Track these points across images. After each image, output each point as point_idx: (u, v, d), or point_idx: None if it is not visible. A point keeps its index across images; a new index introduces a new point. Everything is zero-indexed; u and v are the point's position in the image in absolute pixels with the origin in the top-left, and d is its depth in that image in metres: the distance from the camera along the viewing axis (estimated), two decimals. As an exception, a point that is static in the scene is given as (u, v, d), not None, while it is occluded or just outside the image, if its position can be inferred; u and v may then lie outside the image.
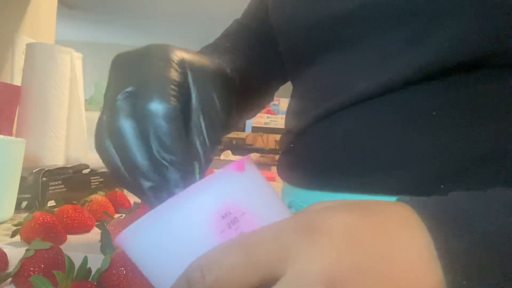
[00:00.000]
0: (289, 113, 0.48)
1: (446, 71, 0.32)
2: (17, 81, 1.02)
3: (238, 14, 0.60)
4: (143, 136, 0.29)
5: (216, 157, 2.14)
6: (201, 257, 0.20)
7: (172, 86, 0.30)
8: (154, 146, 0.29)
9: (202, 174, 0.31)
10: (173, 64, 0.32)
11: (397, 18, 0.34)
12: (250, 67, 0.50)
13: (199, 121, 0.32)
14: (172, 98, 0.30)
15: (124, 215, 0.57)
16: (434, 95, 0.33)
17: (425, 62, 0.33)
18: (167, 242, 0.21)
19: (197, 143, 0.32)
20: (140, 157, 0.29)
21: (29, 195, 0.60)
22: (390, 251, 0.21)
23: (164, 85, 0.30)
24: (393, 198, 0.34)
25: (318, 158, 0.40)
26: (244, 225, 0.21)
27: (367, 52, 0.36)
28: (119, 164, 0.30)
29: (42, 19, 1.28)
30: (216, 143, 0.33)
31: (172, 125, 0.29)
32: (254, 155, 2.08)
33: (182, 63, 0.33)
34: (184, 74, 0.32)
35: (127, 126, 0.30)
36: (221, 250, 0.20)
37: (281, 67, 0.55)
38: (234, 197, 0.21)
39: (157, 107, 0.29)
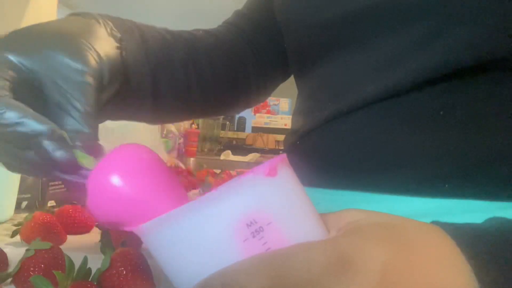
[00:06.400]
0: (296, 113, 0.48)
1: (455, 73, 0.32)
2: (17, 81, 1.02)
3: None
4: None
5: (216, 157, 2.15)
6: (224, 274, 0.19)
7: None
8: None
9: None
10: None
11: (407, 20, 0.34)
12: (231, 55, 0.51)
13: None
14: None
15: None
16: (441, 96, 0.33)
17: (435, 65, 0.32)
18: (188, 242, 0.20)
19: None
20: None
21: (29, 195, 0.60)
22: None
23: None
24: (399, 197, 0.35)
25: (325, 157, 0.40)
26: (269, 236, 0.20)
27: (376, 52, 0.36)
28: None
29: (42, 19, 1.27)
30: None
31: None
32: (254, 155, 2.08)
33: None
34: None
35: None
36: (246, 271, 0.19)
37: (277, 63, 0.54)
38: (261, 205, 0.20)
39: None
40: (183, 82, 0.46)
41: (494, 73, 0.32)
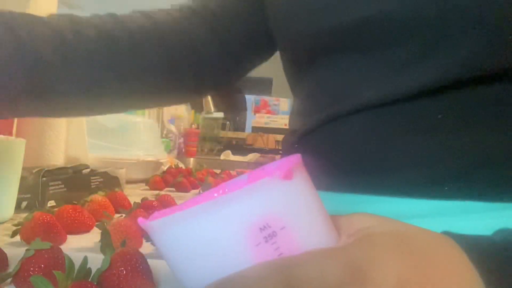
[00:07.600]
0: (294, 113, 0.48)
1: (454, 84, 0.33)
2: (17, 81, 1.01)
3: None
4: None
5: (216, 157, 2.15)
6: (235, 278, 0.19)
7: None
8: None
9: None
10: None
11: (409, 30, 0.34)
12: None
13: None
14: None
15: (124, 215, 0.57)
16: (439, 100, 0.33)
17: (435, 75, 0.33)
18: (199, 244, 0.20)
19: None
20: None
21: (29, 195, 0.60)
22: None
23: None
24: (398, 199, 0.35)
25: (323, 159, 0.40)
26: (281, 241, 0.20)
27: (377, 60, 0.36)
28: None
29: (42, 19, 1.27)
30: None
31: None
32: (254, 155, 2.08)
33: None
34: None
35: None
36: (258, 277, 0.18)
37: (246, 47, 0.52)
38: (275, 209, 0.20)
39: None
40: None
41: (492, 79, 0.32)
